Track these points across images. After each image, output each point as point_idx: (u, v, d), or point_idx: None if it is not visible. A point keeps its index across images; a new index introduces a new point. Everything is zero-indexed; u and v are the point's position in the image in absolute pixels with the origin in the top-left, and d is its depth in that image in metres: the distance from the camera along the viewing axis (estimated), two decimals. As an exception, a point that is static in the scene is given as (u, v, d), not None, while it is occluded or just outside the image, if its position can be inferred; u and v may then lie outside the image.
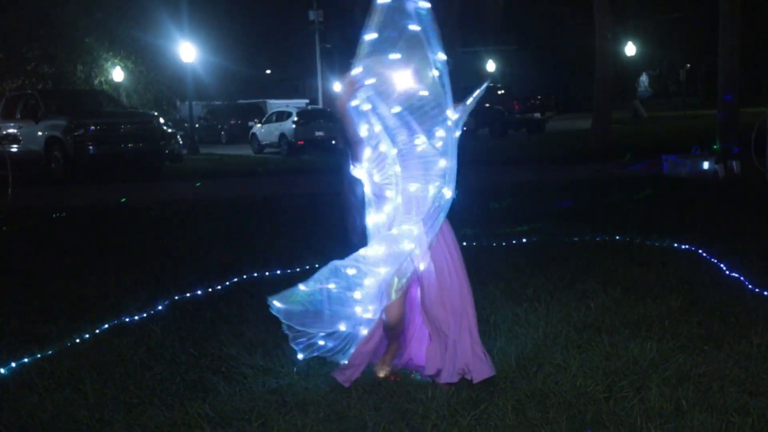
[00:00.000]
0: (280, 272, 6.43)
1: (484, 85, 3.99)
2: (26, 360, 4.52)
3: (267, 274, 6.45)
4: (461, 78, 22.94)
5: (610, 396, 3.64)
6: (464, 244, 7.38)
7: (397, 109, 3.70)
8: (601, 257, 6.55)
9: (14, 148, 18.51)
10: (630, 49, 42.06)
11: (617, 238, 7.30)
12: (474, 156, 20.06)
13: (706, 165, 12.16)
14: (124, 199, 12.70)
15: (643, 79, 57.53)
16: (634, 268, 6.07)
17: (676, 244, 6.85)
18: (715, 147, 13.46)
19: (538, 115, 33.30)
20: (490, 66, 47.86)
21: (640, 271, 5.98)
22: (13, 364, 4.44)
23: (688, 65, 50.03)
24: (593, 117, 20.92)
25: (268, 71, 51.79)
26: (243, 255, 7.32)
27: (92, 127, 17.94)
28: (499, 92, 35.24)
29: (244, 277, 6.38)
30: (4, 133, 18.82)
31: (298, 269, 6.49)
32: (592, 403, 3.57)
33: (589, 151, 18.95)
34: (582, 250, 6.88)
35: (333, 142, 26.16)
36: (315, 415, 3.59)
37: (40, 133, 18.44)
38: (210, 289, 6.02)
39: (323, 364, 4.25)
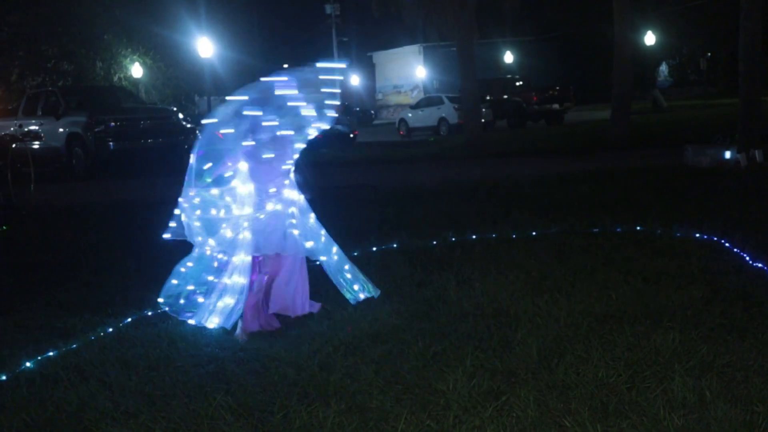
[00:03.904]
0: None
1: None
2: (51, 353, 4.58)
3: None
4: (478, 70, 22.90)
5: (632, 386, 3.63)
6: (484, 235, 7.37)
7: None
8: (622, 247, 6.51)
9: (36, 145, 18.69)
10: (649, 38, 41.65)
11: (638, 228, 7.25)
12: (492, 148, 20.01)
13: (727, 154, 12.03)
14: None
15: (663, 68, 56.96)
16: (655, 259, 6.03)
17: (698, 234, 6.80)
18: (736, 136, 13.30)
19: (556, 106, 33.11)
20: (508, 57, 47.63)
21: (662, 261, 5.94)
22: (39, 358, 4.50)
23: (709, 54, 49.48)
24: (612, 107, 20.74)
25: (285, 65, 51.88)
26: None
27: (112, 123, 18.07)
28: (517, 84, 35.11)
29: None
30: (26, 130, 19.00)
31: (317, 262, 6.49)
32: (615, 394, 3.55)
33: (608, 141, 18.80)
34: (602, 240, 6.84)
35: (351, 135, 26.13)
36: (337, 407, 3.60)
37: (61, 130, 18.61)
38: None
39: (344, 357, 4.27)
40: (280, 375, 4.05)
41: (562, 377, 3.76)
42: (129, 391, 3.95)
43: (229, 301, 4.85)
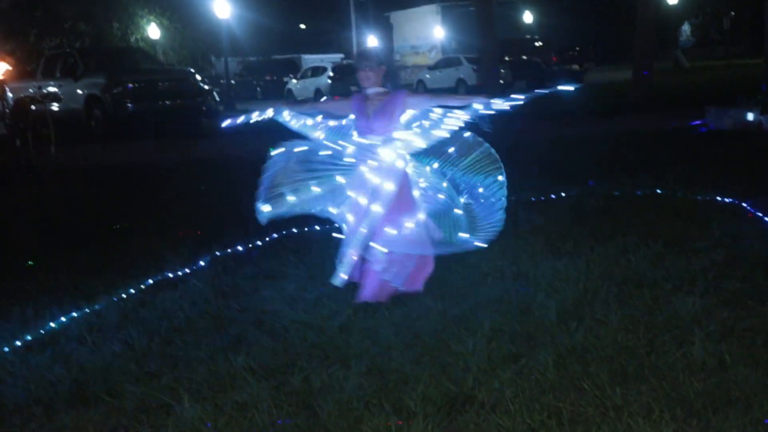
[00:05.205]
0: (320, 228, 6.45)
1: None
2: (75, 314, 4.64)
3: (306, 230, 6.48)
4: (497, 30, 22.59)
5: (651, 350, 3.63)
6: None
7: None
8: (642, 211, 6.46)
9: (55, 107, 18.72)
10: (672, -4, 40.87)
11: (659, 191, 7.19)
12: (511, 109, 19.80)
13: (750, 116, 11.85)
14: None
15: (685, 27, 55.95)
16: (676, 222, 5.98)
17: (719, 198, 6.73)
18: (759, 97, 13.07)
19: (576, 66, 32.72)
20: (527, 17, 46.93)
21: (683, 224, 5.89)
22: (63, 318, 4.56)
23: (733, 12, 48.44)
24: (634, 68, 20.43)
25: (302, 26, 51.47)
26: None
27: (130, 85, 18.09)
28: (537, 44, 34.66)
29: (284, 233, 6.42)
30: (45, 92, 19.05)
31: (337, 225, 6.50)
32: (634, 358, 3.56)
33: (630, 103, 18.57)
34: (623, 204, 6.80)
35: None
36: (357, 369, 3.63)
37: (79, 92, 18.65)
38: (251, 245, 6.09)
39: (363, 319, 4.30)
40: (301, 337, 4.09)
41: (581, 341, 3.76)
42: (151, 353, 4.00)
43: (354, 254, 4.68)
